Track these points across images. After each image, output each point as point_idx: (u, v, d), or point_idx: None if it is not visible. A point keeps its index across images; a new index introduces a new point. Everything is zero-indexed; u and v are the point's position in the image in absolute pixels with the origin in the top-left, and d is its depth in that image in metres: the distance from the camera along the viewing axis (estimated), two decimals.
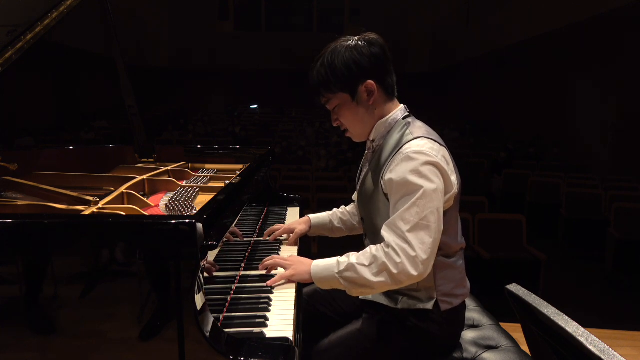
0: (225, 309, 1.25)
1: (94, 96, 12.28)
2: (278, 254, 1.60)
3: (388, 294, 1.43)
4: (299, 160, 8.20)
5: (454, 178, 1.35)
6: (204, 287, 1.07)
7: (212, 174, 2.10)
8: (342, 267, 1.32)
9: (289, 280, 1.40)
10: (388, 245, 1.29)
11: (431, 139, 1.36)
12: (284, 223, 2.01)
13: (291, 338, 1.12)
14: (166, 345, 0.99)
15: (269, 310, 1.26)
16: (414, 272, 1.25)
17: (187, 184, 1.89)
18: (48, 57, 8.55)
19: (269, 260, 1.47)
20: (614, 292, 4.68)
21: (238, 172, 1.89)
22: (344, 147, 9.64)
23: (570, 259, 5.39)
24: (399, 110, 1.44)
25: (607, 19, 7.67)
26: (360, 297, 1.49)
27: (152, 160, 2.30)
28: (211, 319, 1.05)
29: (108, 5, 2.02)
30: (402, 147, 1.34)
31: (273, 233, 1.77)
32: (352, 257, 1.33)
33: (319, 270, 1.36)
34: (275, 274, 1.45)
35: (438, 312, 1.39)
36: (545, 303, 0.97)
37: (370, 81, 1.38)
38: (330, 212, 1.81)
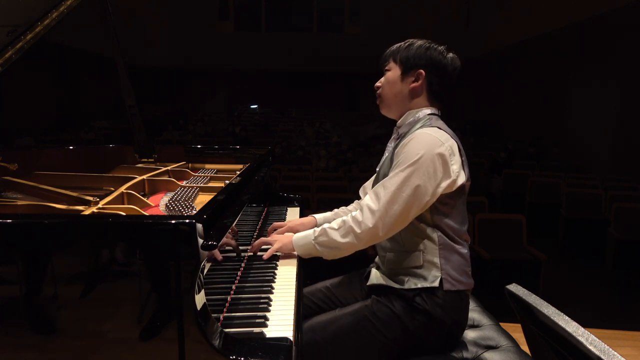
0: (225, 309, 1.25)
1: (94, 96, 12.27)
2: (277, 257, 1.61)
3: (394, 278, 1.49)
4: (299, 160, 8.20)
5: (455, 167, 1.44)
6: (204, 287, 1.07)
7: (212, 174, 2.10)
8: (317, 234, 1.50)
9: (279, 251, 1.59)
10: (361, 208, 1.45)
11: (444, 131, 1.47)
12: None
13: (291, 338, 1.12)
14: (166, 345, 0.99)
15: (269, 310, 1.26)
16: (369, 224, 1.40)
17: (187, 184, 1.90)
18: (48, 57, 8.54)
19: (257, 242, 1.64)
20: (614, 292, 4.68)
21: (238, 172, 1.89)
22: (344, 147, 9.65)
23: (570, 259, 5.39)
24: (429, 108, 1.56)
25: (607, 19, 7.67)
26: (368, 284, 1.57)
27: (152, 160, 2.30)
28: (211, 319, 1.05)
29: (108, 5, 2.02)
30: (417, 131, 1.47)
31: (275, 230, 1.77)
32: (326, 225, 1.52)
33: (299, 239, 1.56)
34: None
35: (442, 293, 1.43)
36: (545, 303, 0.97)
37: (422, 71, 1.52)
38: (332, 212, 1.84)
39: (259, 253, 1.62)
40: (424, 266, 1.45)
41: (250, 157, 2.32)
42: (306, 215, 1.85)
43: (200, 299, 1.02)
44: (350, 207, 1.85)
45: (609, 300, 4.44)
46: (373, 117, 15.40)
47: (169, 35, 16.77)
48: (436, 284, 1.43)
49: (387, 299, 1.48)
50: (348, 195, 5.01)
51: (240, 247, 1.61)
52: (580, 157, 8.74)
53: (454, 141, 1.47)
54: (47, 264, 1.01)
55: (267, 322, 1.20)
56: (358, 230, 1.42)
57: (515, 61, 11.58)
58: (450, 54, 1.56)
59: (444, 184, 1.42)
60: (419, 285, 1.44)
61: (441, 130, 1.46)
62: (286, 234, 1.65)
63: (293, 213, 2.17)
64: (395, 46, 1.61)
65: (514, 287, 1.08)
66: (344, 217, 1.48)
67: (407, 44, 1.58)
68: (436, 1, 15.66)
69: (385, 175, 1.50)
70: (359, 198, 1.82)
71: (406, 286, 1.46)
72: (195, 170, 2.25)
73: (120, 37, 2.07)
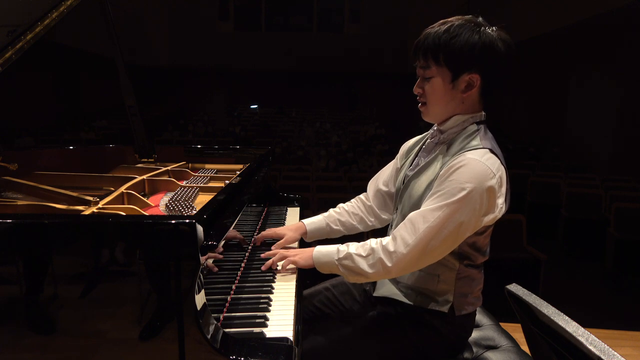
0: (225, 309, 1.25)
1: (94, 96, 12.26)
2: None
3: (404, 291, 1.44)
4: (299, 160, 8.20)
5: (500, 201, 1.29)
6: (204, 287, 1.07)
7: (212, 174, 2.10)
8: (341, 255, 1.36)
9: (294, 264, 1.46)
10: (390, 237, 1.31)
11: (496, 155, 1.30)
12: (284, 223, 2.01)
13: (291, 338, 1.12)
14: (166, 345, 0.99)
15: (269, 310, 1.26)
16: (403, 258, 1.28)
17: (187, 184, 1.89)
18: (48, 57, 8.54)
19: (277, 256, 1.49)
20: (614, 292, 4.69)
21: (238, 172, 1.89)
22: (343, 147, 9.65)
23: (570, 259, 5.39)
24: (479, 115, 1.38)
25: (607, 18, 7.67)
26: (375, 294, 1.51)
27: (152, 160, 2.30)
28: (211, 319, 1.05)
29: (108, 5, 2.01)
30: (467, 150, 1.30)
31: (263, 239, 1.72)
32: (352, 247, 1.37)
33: (321, 255, 1.41)
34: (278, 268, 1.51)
35: (452, 316, 1.39)
36: (545, 303, 0.97)
37: (477, 75, 1.31)
38: (325, 214, 1.72)
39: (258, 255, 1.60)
40: (437, 290, 1.39)
41: (250, 157, 2.32)
42: (305, 216, 1.82)
43: (200, 299, 1.02)
44: (347, 205, 1.74)
45: (609, 300, 4.44)
46: (373, 117, 15.40)
47: (169, 35, 16.77)
48: (446, 309, 1.38)
49: (393, 311, 1.44)
50: (348, 195, 4.99)
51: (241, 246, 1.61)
52: (580, 157, 8.74)
53: (504, 167, 1.31)
54: (47, 264, 1.01)
55: (267, 322, 1.20)
56: (389, 264, 1.29)
57: (515, 61, 11.56)
58: (503, 37, 1.30)
59: (487, 219, 1.29)
60: (427, 307, 1.40)
61: (494, 156, 1.28)
62: (306, 248, 1.51)
63: (293, 213, 2.17)
64: (432, 34, 1.30)
65: (514, 287, 1.08)
66: (373, 245, 1.33)
67: (448, 32, 1.28)
68: (436, 1, 15.66)
69: (420, 194, 1.37)
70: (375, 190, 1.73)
71: (415, 303, 1.41)
72: (195, 170, 2.24)
73: (120, 37, 2.07)
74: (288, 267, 1.50)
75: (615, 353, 0.78)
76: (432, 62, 1.32)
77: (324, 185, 5.81)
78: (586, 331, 0.84)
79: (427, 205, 1.29)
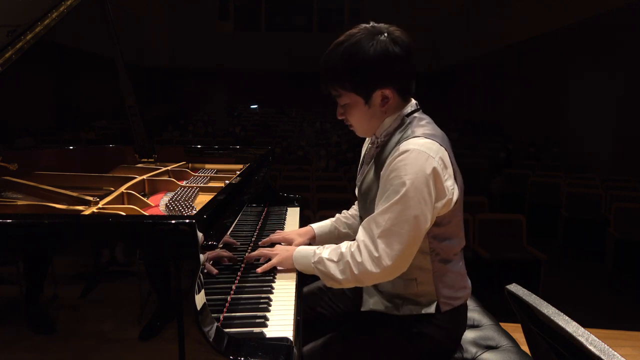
0: (225, 309, 1.25)
1: (94, 96, 12.27)
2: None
3: (390, 302, 1.42)
4: (299, 160, 8.20)
5: (449, 183, 1.28)
6: (204, 287, 1.07)
7: (212, 174, 2.10)
8: (316, 259, 1.37)
9: (278, 265, 1.46)
10: (356, 244, 1.31)
11: (431, 138, 1.28)
12: (284, 223, 2.01)
13: (291, 338, 1.12)
14: (166, 345, 0.99)
15: (269, 310, 1.26)
16: (374, 272, 1.27)
17: (187, 184, 1.89)
18: (48, 57, 8.54)
19: (255, 252, 1.52)
20: (614, 292, 4.69)
21: (238, 172, 1.89)
22: (343, 147, 9.64)
23: (570, 259, 5.39)
24: (408, 106, 1.38)
25: (607, 18, 7.67)
26: (362, 309, 1.49)
27: (152, 160, 2.30)
28: (211, 319, 1.05)
29: (108, 5, 2.02)
30: (400, 144, 1.28)
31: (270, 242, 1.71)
32: (325, 252, 1.36)
33: (299, 257, 1.43)
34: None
35: (440, 315, 1.38)
36: (545, 303, 0.97)
37: (387, 89, 1.32)
38: (333, 219, 1.74)
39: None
40: (419, 293, 1.38)
41: (250, 157, 2.32)
42: (305, 215, 1.82)
43: (200, 299, 1.02)
44: (352, 210, 1.75)
45: (609, 300, 4.44)
46: None
47: (169, 35, 16.77)
48: (432, 309, 1.37)
49: (384, 323, 1.42)
50: (348, 195, 5.01)
51: (240, 248, 1.61)
52: (580, 157, 8.73)
53: (444, 148, 1.29)
54: (47, 264, 1.01)
55: (267, 322, 1.20)
56: (356, 271, 1.28)
57: (515, 61, 11.58)
58: (393, 36, 1.29)
59: (440, 204, 1.27)
60: (414, 313, 1.38)
61: (429, 140, 1.27)
62: (288, 247, 1.52)
63: (293, 213, 2.17)
64: (329, 63, 1.32)
65: (514, 287, 1.08)
66: (342, 250, 1.33)
67: (346, 58, 1.29)
68: (436, 1, 15.66)
69: (369, 191, 1.38)
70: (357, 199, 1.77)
71: (402, 312, 1.40)
72: (195, 170, 2.24)
73: (120, 37, 2.07)
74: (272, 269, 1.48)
75: (615, 353, 0.78)
76: (340, 91, 1.35)
77: (324, 185, 5.81)
78: (586, 331, 0.84)
79: (377, 209, 1.29)
